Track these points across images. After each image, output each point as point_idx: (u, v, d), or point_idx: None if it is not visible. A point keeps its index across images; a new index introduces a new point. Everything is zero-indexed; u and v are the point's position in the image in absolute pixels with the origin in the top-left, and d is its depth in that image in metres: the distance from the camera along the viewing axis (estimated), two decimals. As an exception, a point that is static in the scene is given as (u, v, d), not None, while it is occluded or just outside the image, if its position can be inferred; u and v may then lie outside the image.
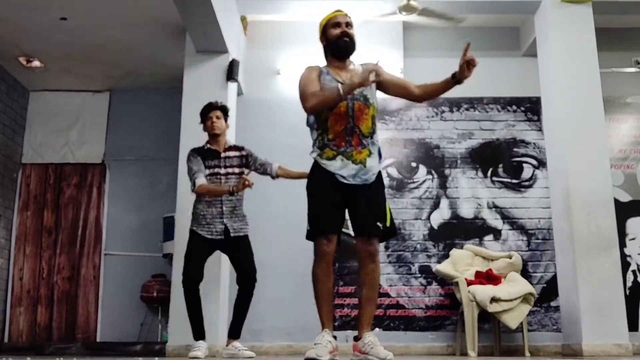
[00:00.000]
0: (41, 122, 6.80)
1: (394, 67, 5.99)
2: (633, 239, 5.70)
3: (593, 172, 4.94)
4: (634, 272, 5.63)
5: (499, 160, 5.83)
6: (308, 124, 3.11)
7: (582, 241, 4.81)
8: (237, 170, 4.18)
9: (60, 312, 6.37)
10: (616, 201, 5.13)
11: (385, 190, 5.89)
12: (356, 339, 2.94)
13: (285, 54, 6.09)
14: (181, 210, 5.03)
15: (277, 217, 5.56)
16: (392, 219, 3.06)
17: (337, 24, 3.07)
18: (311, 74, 3.04)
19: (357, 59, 3.16)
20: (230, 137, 5.31)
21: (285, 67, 6.04)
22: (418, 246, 5.65)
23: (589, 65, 5.16)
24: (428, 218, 5.71)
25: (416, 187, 5.75)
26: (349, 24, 3.09)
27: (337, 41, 3.06)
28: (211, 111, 4.21)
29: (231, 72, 5.26)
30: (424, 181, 5.78)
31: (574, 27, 5.23)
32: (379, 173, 3.03)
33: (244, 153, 4.26)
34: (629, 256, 5.65)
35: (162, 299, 5.78)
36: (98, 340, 6.23)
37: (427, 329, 5.47)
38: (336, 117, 2.95)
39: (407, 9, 5.64)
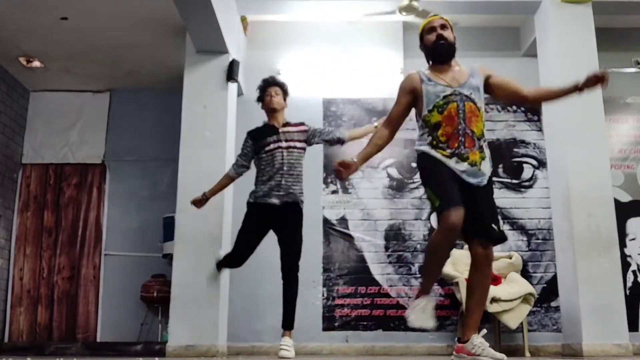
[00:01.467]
0: (41, 123, 6.80)
1: (394, 67, 6.00)
2: (633, 239, 5.70)
3: (593, 172, 4.94)
4: (634, 272, 5.64)
5: (499, 160, 5.82)
6: (420, 129, 3.06)
7: (582, 241, 4.81)
8: (298, 145, 4.14)
9: (61, 312, 6.37)
10: (616, 201, 5.12)
11: (386, 190, 5.93)
12: (460, 341, 2.95)
13: (286, 54, 6.09)
14: (181, 211, 5.03)
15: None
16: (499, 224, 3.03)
17: (432, 29, 3.06)
18: (405, 91, 3.04)
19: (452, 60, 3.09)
20: (231, 137, 5.32)
21: (286, 67, 6.03)
22: (418, 246, 5.65)
23: (589, 65, 5.13)
24: (428, 218, 5.71)
25: (416, 188, 5.75)
26: (444, 26, 3.07)
27: (434, 46, 3.05)
28: (269, 87, 4.19)
29: (231, 73, 5.26)
30: (424, 181, 5.77)
31: (574, 27, 5.23)
32: (490, 178, 3.00)
33: (304, 128, 4.21)
34: (629, 256, 5.65)
35: (162, 299, 5.78)
36: (98, 340, 6.23)
37: (427, 329, 5.47)
38: (446, 119, 2.92)
39: (408, 9, 5.63)
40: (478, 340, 2.84)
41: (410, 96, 3.03)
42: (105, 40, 5.80)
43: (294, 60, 6.07)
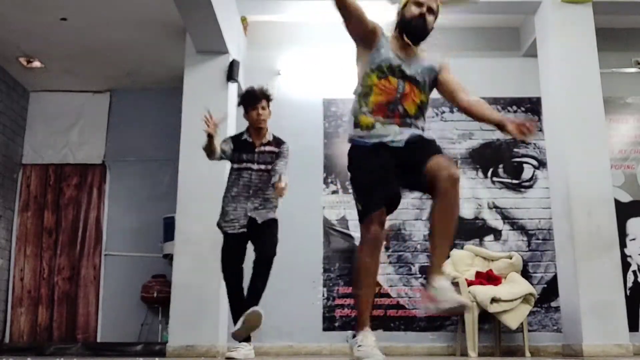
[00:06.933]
0: (41, 123, 6.80)
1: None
2: (633, 239, 5.70)
3: (593, 172, 4.94)
4: (634, 272, 5.63)
5: (500, 160, 5.83)
6: (355, 92, 2.77)
7: (582, 241, 4.81)
8: (270, 167, 3.90)
9: (61, 312, 6.37)
10: (616, 201, 5.12)
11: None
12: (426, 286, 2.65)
13: (286, 54, 6.09)
14: (181, 211, 5.03)
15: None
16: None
17: (420, 4, 2.71)
18: (370, 22, 2.73)
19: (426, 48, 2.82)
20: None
21: (286, 67, 6.04)
22: (418, 246, 5.64)
23: (589, 65, 5.15)
24: (429, 219, 5.69)
25: (416, 188, 5.74)
26: (431, 10, 2.73)
27: (412, 21, 2.71)
28: (258, 101, 3.94)
29: (231, 73, 5.26)
30: (424, 181, 5.77)
31: (574, 27, 5.23)
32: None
33: (276, 150, 3.95)
34: (629, 256, 5.65)
35: (162, 300, 5.78)
36: (98, 340, 6.23)
37: (427, 330, 5.47)
38: (382, 88, 2.65)
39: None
40: (440, 283, 2.45)
41: (369, 29, 2.73)
42: (105, 40, 5.81)
43: (294, 60, 6.07)
